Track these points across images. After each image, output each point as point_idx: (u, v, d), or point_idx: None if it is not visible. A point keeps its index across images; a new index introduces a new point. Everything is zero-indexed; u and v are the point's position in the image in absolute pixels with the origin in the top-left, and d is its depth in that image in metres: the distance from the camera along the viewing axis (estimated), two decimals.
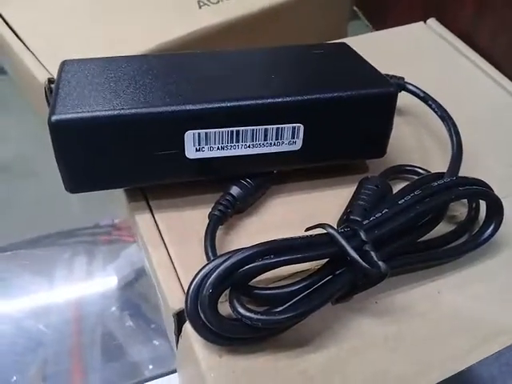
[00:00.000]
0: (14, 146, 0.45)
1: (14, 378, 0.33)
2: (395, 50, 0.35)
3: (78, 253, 0.40)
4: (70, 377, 0.34)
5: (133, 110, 0.20)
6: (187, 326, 0.20)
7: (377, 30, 0.43)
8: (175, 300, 0.21)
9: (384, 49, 0.34)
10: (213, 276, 0.18)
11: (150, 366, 0.34)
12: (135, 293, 0.38)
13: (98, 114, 0.20)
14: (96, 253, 0.40)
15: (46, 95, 0.30)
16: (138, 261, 0.39)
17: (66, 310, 0.36)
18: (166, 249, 0.23)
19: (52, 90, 0.29)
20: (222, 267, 0.19)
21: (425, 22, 0.38)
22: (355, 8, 0.48)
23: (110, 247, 0.41)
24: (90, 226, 0.42)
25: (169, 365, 0.34)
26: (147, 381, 0.33)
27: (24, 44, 0.32)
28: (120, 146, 0.21)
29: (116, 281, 0.38)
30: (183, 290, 0.21)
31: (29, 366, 0.34)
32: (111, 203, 0.38)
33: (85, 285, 0.38)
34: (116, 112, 0.20)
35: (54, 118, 0.20)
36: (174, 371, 0.33)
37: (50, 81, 0.29)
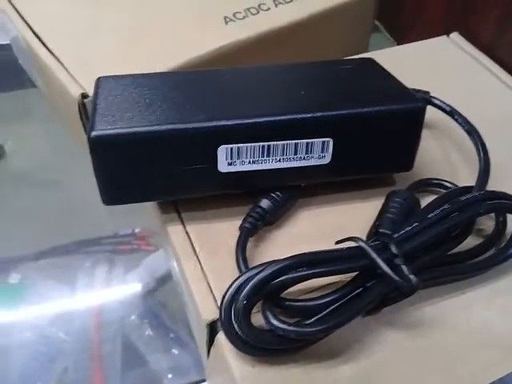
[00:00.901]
0: (38, 155, 0.46)
1: None
2: (419, 63, 0.35)
3: (98, 261, 0.40)
4: None
5: (169, 126, 0.21)
6: (220, 337, 0.21)
7: (398, 43, 0.43)
8: (208, 311, 0.21)
9: (408, 63, 0.35)
10: (247, 287, 0.19)
11: (170, 375, 0.35)
12: (155, 302, 0.38)
13: (135, 129, 0.21)
14: (116, 261, 0.40)
15: (79, 110, 0.31)
16: (157, 270, 0.39)
17: (87, 318, 0.37)
18: (198, 260, 0.23)
19: (85, 104, 0.30)
20: (256, 279, 0.19)
21: (448, 35, 0.38)
22: (377, 22, 0.49)
23: (130, 256, 0.41)
24: (111, 236, 0.42)
25: (188, 374, 0.34)
26: None
27: (56, 58, 0.33)
28: (156, 160, 0.22)
29: (136, 289, 0.39)
30: (215, 301, 0.22)
31: (50, 373, 0.34)
32: (132, 213, 0.39)
33: (105, 293, 0.39)
34: (153, 128, 0.21)
35: (93, 133, 0.20)
36: (195, 383, 0.33)
37: (83, 96, 0.30)
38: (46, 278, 0.39)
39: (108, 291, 0.39)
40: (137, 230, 0.43)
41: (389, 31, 0.49)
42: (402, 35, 0.46)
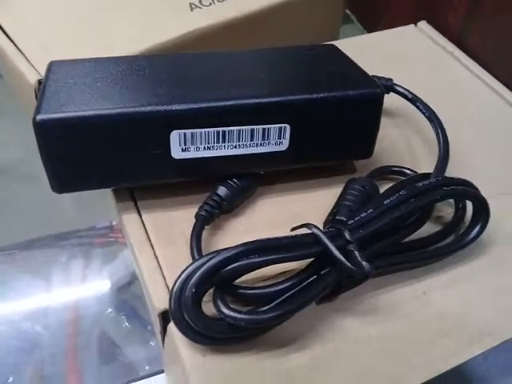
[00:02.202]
0: (10, 150, 0.45)
1: (11, 378, 0.33)
2: (386, 52, 0.35)
3: (74, 255, 0.40)
4: (66, 378, 0.34)
5: (118, 110, 0.20)
6: (172, 326, 0.20)
7: (369, 33, 0.43)
8: (160, 300, 0.21)
9: (375, 51, 0.35)
10: (196, 275, 0.18)
11: (147, 367, 0.35)
12: (131, 294, 0.38)
13: (82, 113, 0.20)
14: (93, 255, 0.40)
15: (36, 96, 0.30)
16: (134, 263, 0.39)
17: (63, 312, 0.37)
18: (153, 249, 0.23)
19: None
20: (205, 266, 0.19)
21: (416, 24, 0.38)
22: (348, 11, 0.49)
23: (106, 249, 0.41)
24: (87, 229, 0.42)
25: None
26: (142, 379, 0.33)
27: (16, 46, 0.32)
28: (105, 145, 0.21)
29: (112, 283, 0.38)
30: (168, 290, 0.21)
31: (25, 367, 0.34)
32: (108, 205, 0.39)
33: (81, 287, 0.39)
34: (101, 112, 0.20)
35: (38, 117, 0.20)
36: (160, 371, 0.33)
37: (40, 82, 0.30)
38: (22, 272, 0.39)
39: (84, 284, 0.39)
40: (114, 223, 0.42)
41: (360, 21, 0.49)
42: (372, 25, 0.46)
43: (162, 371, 0.34)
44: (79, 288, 0.38)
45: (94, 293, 0.39)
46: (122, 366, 0.35)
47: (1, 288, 0.38)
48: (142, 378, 0.34)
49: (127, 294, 0.38)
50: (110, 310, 0.37)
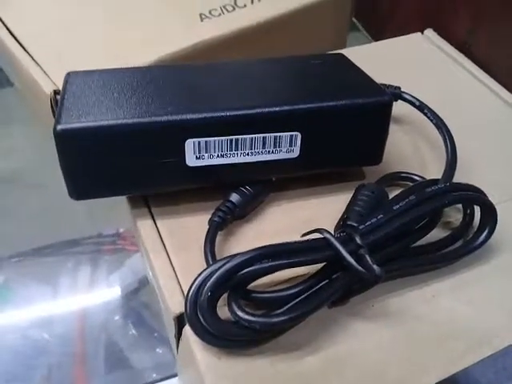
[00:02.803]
0: (18, 157, 0.45)
1: None
2: (393, 60, 0.36)
3: (82, 262, 0.40)
4: None
5: (135, 120, 0.21)
6: (187, 329, 0.21)
7: (376, 41, 0.44)
8: (176, 304, 0.21)
9: (382, 59, 0.35)
10: (211, 280, 0.19)
11: (154, 375, 0.35)
12: (138, 302, 0.39)
13: (101, 123, 0.21)
14: (100, 262, 0.40)
15: (52, 106, 0.31)
16: (141, 270, 0.39)
17: (70, 319, 0.37)
18: (167, 254, 0.23)
19: (57, 100, 0.30)
20: (220, 271, 0.19)
21: (422, 32, 0.38)
22: (354, 19, 0.49)
23: (113, 256, 0.41)
24: (94, 236, 0.42)
25: (171, 373, 0.34)
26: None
27: (30, 56, 0.33)
28: (122, 154, 0.22)
29: (119, 290, 0.39)
30: (183, 295, 0.22)
31: (33, 374, 0.34)
32: (115, 213, 0.39)
33: (88, 294, 0.39)
34: (119, 121, 0.21)
35: (59, 127, 0.20)
36: (173, 375, 0.33)
37: (56, 92, 0.30)
38: (30, 279, 0.39)
39: (91, 292, 0.39)
40: (121, 230, 0.43)
41: (366, 29, 0.49)
42: (378, 33, 0.47)
43: (169, 377, 0.34)
44: (86, 295, 0.39)
45: (101, 300, 0.39)
46: (129, 373, 0.35)
47: (8, 295, 0.38)
48: (151, 383, 0.34)
49: (134, 301, 0.39)
50: (117, 317, 0.38)
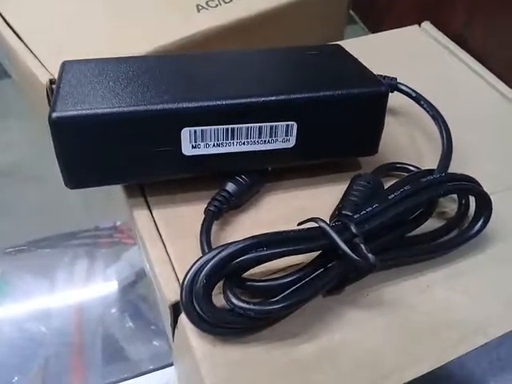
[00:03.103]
0: (15, 151, 0.45)
1: (16, 378, 0.34)
2: (390, 52, 0.36)
3: (79, 255, 0.40)
4: (70, 377, 0.34)
5: (131, 108, 0.21)
6: (182, 317, 0.21)
7: (373, 33, 0.43)
8: (171, 292, 0.21)
9: (379, 51, 0.35)
10: (207, 267, 0.19)
11: (151, 367, 0.35)
12: (135, 294, 0.39)
13: (96, 111, 0.21)
14: (97, 255, 0.40)
15: (48, 96, 0.31)
16: (138, 263, 0.39)
17: (67, 312, 0.37)
18: (163, 244, 0.23)
19: (53, 90, 0.30)
20: (216, 258, 0.19)
21: (419, 25, 0.38)
22: (352, 12, 0.49)
23: (110, 250, 0.41)
24: (91, 229, 0.42)
25: (167, 362, 0.34)
26: (143, 374, 0.33)
27: (26, 46, 0.33)
28: (118, 142, 0.22)
29: (116, 283, 0.39)
30: (179, 283, 0.22)
31: (30, 366, 0.34)
32: (112, 206, 0.39)
33: (85, 287, 0.39)
34: (115, 109, 0.21)
35: (54, 114, 0.20)
36: (168, 365, 0.34)
37: (52, 82, 0.30)
38: (27, 272, 0.39)
39: (88, 285, 0.39)
40: (118, 223, 0.43)
41: (364, 22, 0.49)
42: (375, 26, 0.47)
43: (164, 367, 0.34)
44: (83, 288, 0.39)
45: (98, 293, 0.39)
46: (125, 365, 0.35)
47: (5, 288, 0.38)
48: (145, 373, 0.34)
49: (131, 294, 0.39)
50: (113, 310, 0.37)
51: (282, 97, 0.23)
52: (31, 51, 0.32)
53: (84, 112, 0.21)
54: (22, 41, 0.33)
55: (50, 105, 0.31)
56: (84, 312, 0.37)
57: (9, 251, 0.40)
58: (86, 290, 0.39)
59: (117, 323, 0.37)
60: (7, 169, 0.44)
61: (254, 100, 0.22)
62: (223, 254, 0.19)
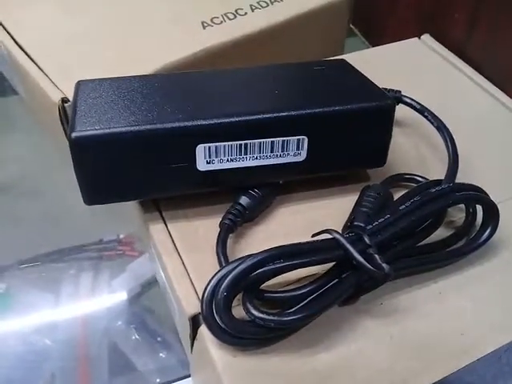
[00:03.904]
0: (20, 165, 0.46)
1: None
2: (391, 64, 0.37)
3: (83, 268, 0.40)
4: None
5: (148, 126, 0.22)
6: (202, 329, 0.21)
7: (373, 46, 0.44)
8: (190, 305, 0.22)
9: (380, 64, 0.36)
10: (227, 280, 0.20)
11: (158, 379, 0.35)
12: (141, 306, 0.39)
13: (114, 130, 0.21)
14: (101, 268, 0.41)
15: (60, 114, 0.31)
16: (142, 275, 0.39)
17: (73, 325, 0.37)
18: (180, 257, 0.24)
19: (65, 109, 0.31)
20: (235, 271, 0.20)
21: (419, 37, 0.39)
22: (351, 26, 0.50)
23: (115, 262, 0.41)
24: (95, 242, 0.43)
25: (174, 376, 0.34)
26: None
27: (37, 65, 0.33)
28: (135, 160, 0.22)
29: (121, 295, 0.39)
30: (197, 296, 0.22)
31: (36, 380, 0.34)
32: (116, 219, 0.39)
33: (91, 299, 0.39)
34: (132, 128, 0.22)
35: (74, 134, 0.21)
36: (179, 378, 0.34)
37: (64, 100, 0.31)
38: (32, 286, 0.39)
39: (94, 297, 0.39)
40: (121, 236, 0.43)
41: (364, 35, 0.50)
42: (376, 39, 0.48)
43: (172, 380, 0.34)
44: (88, 301, 0.39)
45: (103, 305, 0.39)
46: (132, 378, 0.35)
47: (10, 302, 0.38)
48: None
49: (137, 306, 0.39)
50: (119, 322, 0.38)
51: (294, 112, 0.23)
52: (42, 70, 0.33)
53: (103, 131, 0.21)
54: (32, 60, 0.34)
55: (61, 123, 0.32)
56: (89, 324, 0.37)
57: (13, 265, 0.40)
58: (91, 302, 0.39)
59: (123, 335, 0.37)
60: (11, 183, 0.44)
61: (266, 116, 0.23)
62: (242, 267, 0.20)
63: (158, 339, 0.37)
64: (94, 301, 0.39)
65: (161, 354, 0.36)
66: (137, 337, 0.37)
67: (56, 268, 0.41)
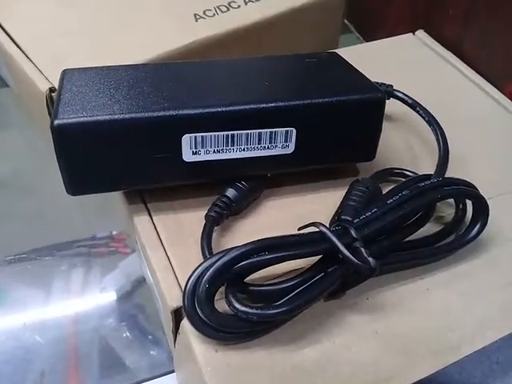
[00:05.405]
0: (11, 161, 0.45)
1: None
2: (385, 59, 0.36)
3: (74, 265, 0.40)
4: None
5: (132, 115, 0.21)
6: (185, 323, 0.21)
7: (368, 42, 0.44)
8: (173, 298, 0.22)
9: (374, 59, 0.36)
10: (209, 272, 0.19)
11: (148, 376, 0.35)
12: (132, 304, 0.38)
13: (98, 118, 0.21)
14: (93, 265, 0.40)
15: (47, 104, 0.31)
16: (134, 272, 0.39)
17: (63, 322, 0.37)
18: (164, 249, 0.23)
19: (53, 98, 0.30)
20: (218, 263, 0.19)
21: (413, 33, 0.39)
22: (346, 21, 0.50)
23: (107, 259, 0.41)
24: (87, 238, 0.42)
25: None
26: (143, 382, 0.33)
27: (25, 54, 0.33)
28: (119, 149, 0.22)
29: (113, 292, 0.39)
30: (181, 289, 0.22)
31: (26, 377, 0.34)
32: (108, 215, 0.39)
33: (82, 296, 0.39)
34: (116, 116, 0.21)
35: (56, 122, 0.21)
36: (167, 373, 0.33)
37: (51, 90, 0.30)
38: (22, 282, 0.38)
39: (84, 294, 0.39)
40: (114, 233, 0.43)
41: (358, 31, 0.50)
42: (370, 34, 0.47)
43: (160, 375, 0.34)
44: (79, 298, 0.39)
45: (94, 303, 0.38)
46: (123, 375, 0.35)
47: (0, 298, 0.38)
48: (142, 381, 0.34)
49: (128, 303, 0.38)
50: (110, 320, 0.37)
51: (281, 103, 0.23)
52: (30, 60, 0.33)
53: (86, 119, 0.21)
54: (20, 49, 0.33)
55: (49, 113, 0.31)
56: (80, 322, 0.37)
57: (4, 260, 0.40)
58: (82, 299, 0.39)
59: (114, 333, 0.36)
60: (2, 179, 0.44)
61: (253, 106, 0.23)
62: (225, 258, 0.19)
63: (149, 337, 0.37)
64: (85, 298, 0.39)
65: (152, 352, 0.36)
66: (128, 334, 0.37)
67: (47, 264, 0.40)
